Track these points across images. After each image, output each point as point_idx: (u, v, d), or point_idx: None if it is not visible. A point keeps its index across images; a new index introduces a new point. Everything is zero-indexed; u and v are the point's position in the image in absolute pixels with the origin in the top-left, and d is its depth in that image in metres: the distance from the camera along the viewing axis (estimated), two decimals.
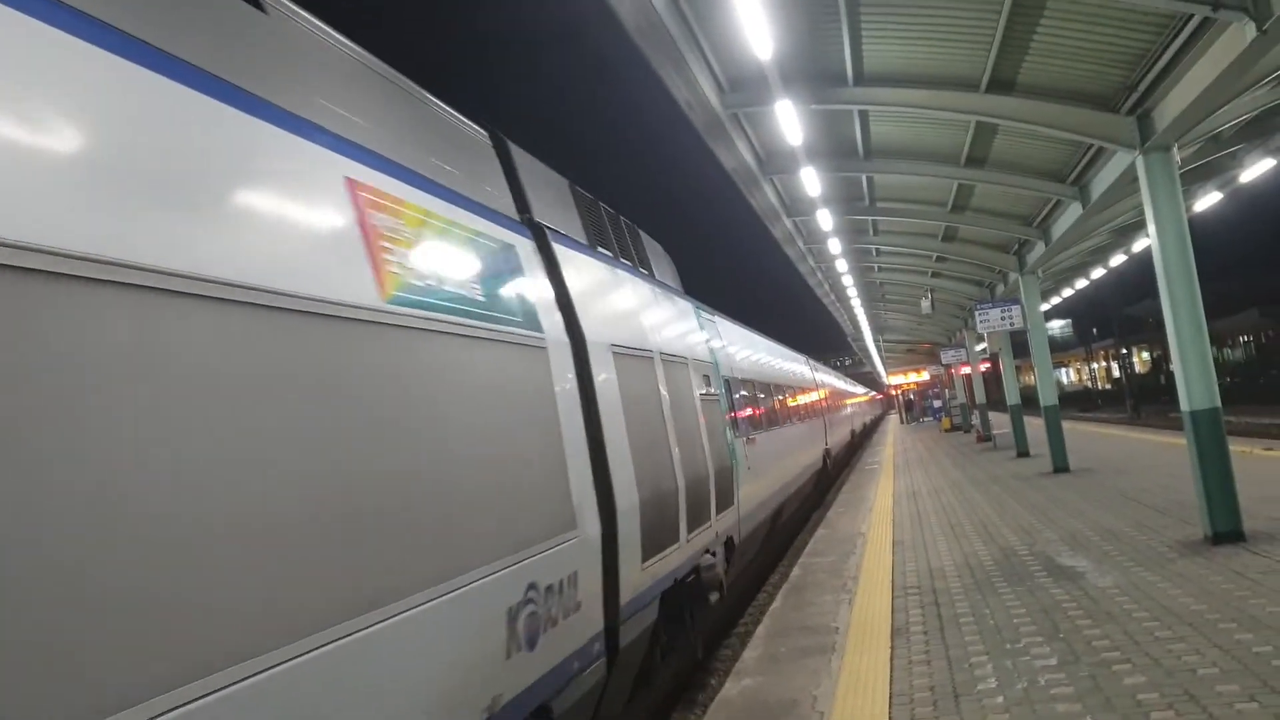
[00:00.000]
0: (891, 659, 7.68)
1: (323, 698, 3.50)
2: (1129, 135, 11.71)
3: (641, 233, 11.30)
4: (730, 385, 13.58)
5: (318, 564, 3.55)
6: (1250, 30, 8.55)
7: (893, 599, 9.91)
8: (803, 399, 25.17)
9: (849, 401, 48.75)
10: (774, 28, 10.29)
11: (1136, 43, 10.71)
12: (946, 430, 48.66)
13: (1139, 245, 24.81)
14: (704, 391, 11.29)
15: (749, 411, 15.26)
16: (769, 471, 15.88)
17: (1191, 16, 9.63)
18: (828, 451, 29.33)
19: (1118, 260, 28.21)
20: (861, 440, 54.35)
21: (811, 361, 33.03)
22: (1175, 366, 11.26)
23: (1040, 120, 12.61)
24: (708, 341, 12.80)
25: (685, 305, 12.24)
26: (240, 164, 3.66)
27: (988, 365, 41.64)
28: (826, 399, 33.18)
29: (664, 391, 9.25)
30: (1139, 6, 9.67)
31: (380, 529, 3.98)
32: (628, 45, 10.70)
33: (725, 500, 11.43)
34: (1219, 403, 11.05)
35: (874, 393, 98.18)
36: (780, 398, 20.12)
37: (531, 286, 6.50)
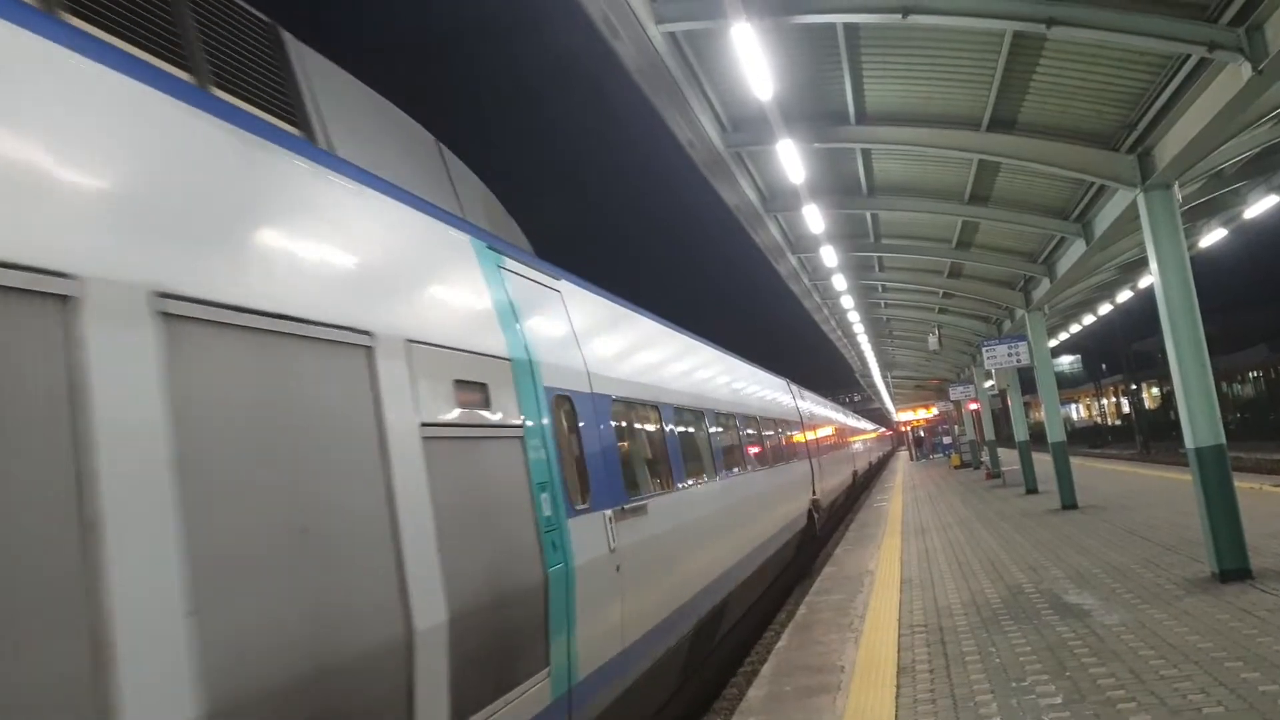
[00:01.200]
0: (897, 698, 7.65)
1: None
2: (1129, 173, 11.78)
3: (353, 84, 6.26)
4: (578, 408, 7.69)
5: None
6: (1246, 70, 8.63)
7: (899, 637, 9.87)
8: (772, 434, 18.84)
9: (852, 439, 42.92)
10: (775, 69, 10.39)
11: (1135, 82, 10.80)
12: (956, 467, 48.41)
13: (1145, 281, 24.83)
14: (451, 418, 5.44)
15: (640, 455, 9.49)
16: (677, 563, 9.71)
17: (1189, 57, 9.73)
18: (815, 504, 23.01)
19: (1124, 296, 28.23)
20: (869, 481, 53.60)
21: (795, 387, 26.14)
22: (1179, 403, 11.25)
23: (1042, 158, 12.69)
24: (512, 317, 6.73)
25: (451, 240, 6.26)
26: None
27: (997, 401, 41.52)
28: (816, 436, 26.60)
29: (169, 418, 3.46)
30: (1136, 47, 9.76)
31: None
32: (629, 86, 10.82)
33: (507, 672, 5.63)
34: (1224, 439, 11.03)
35: (882, 429, 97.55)
36: (723, 432, 13.75)
37: None
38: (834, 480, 28.72)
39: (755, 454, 16.39)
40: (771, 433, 18.84)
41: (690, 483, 11.06)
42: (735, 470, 13.99)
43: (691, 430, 11.95)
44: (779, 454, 18.97)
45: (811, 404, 28.67)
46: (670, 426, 10.78)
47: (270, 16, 5.25)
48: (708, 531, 11.32)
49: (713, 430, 13.06)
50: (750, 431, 16.29)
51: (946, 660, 8.67)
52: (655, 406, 10.34)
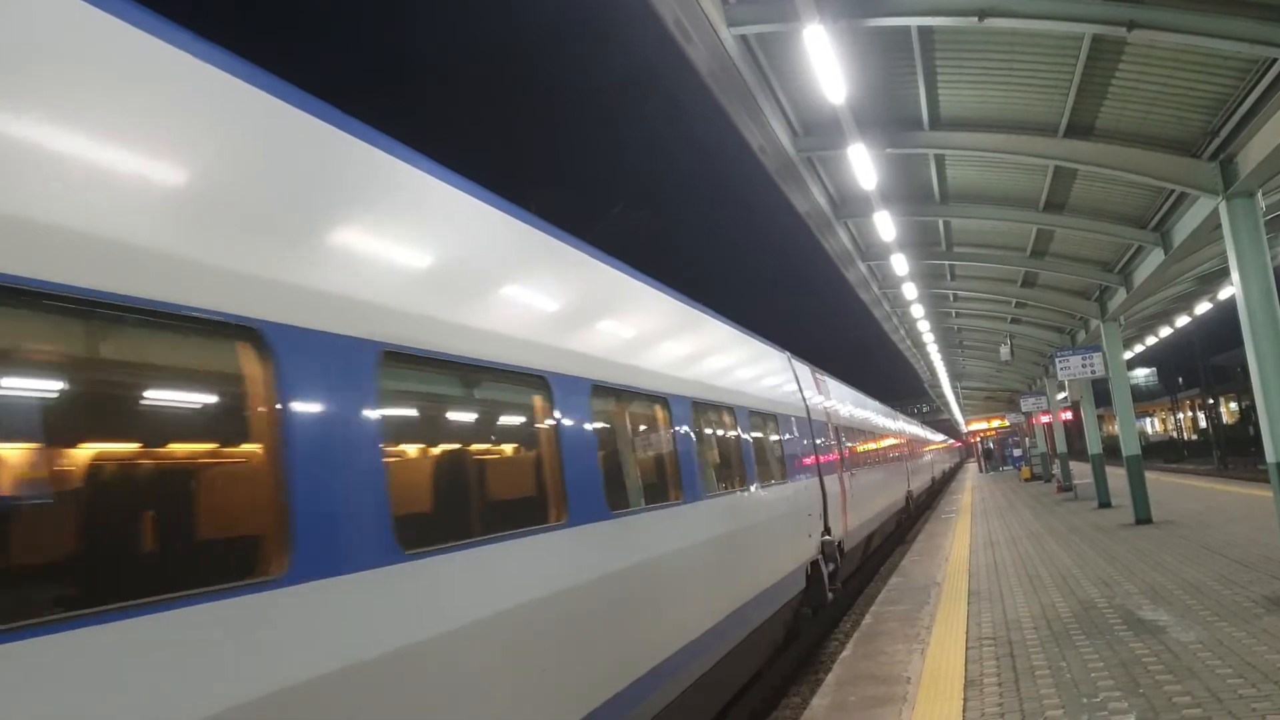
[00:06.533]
0: (964, 711, 7.52)
1: None
2: (1211, 181, 11.52)
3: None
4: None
5: None
6: None
7: (967, 649, 9.73)
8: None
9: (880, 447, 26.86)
10: (847, 72, 10.33)
11: (1217, 88, 10.57)
12: (1026, 480, 47.75)
13: (1224, 293, 24.31)
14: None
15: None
16: None
17: (1275, 61, 9.49)
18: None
19: (1203, 308, 27.66)
20: (933, 497, 52.90)
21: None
22: (1260, 416, 10.99)
23: (1120, 165, 12.46)
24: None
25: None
26: None
27: (1069, 414, 40.81)
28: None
29: None
30: (1219, 51, 9.55)
31: None
32: (701, 90, 10.82)
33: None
34: None
35: (949, 439, 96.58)
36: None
37: None
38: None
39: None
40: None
41: None
42: None
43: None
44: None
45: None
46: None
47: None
48: None
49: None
50: None
51: (1015, 674, 8.52)
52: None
